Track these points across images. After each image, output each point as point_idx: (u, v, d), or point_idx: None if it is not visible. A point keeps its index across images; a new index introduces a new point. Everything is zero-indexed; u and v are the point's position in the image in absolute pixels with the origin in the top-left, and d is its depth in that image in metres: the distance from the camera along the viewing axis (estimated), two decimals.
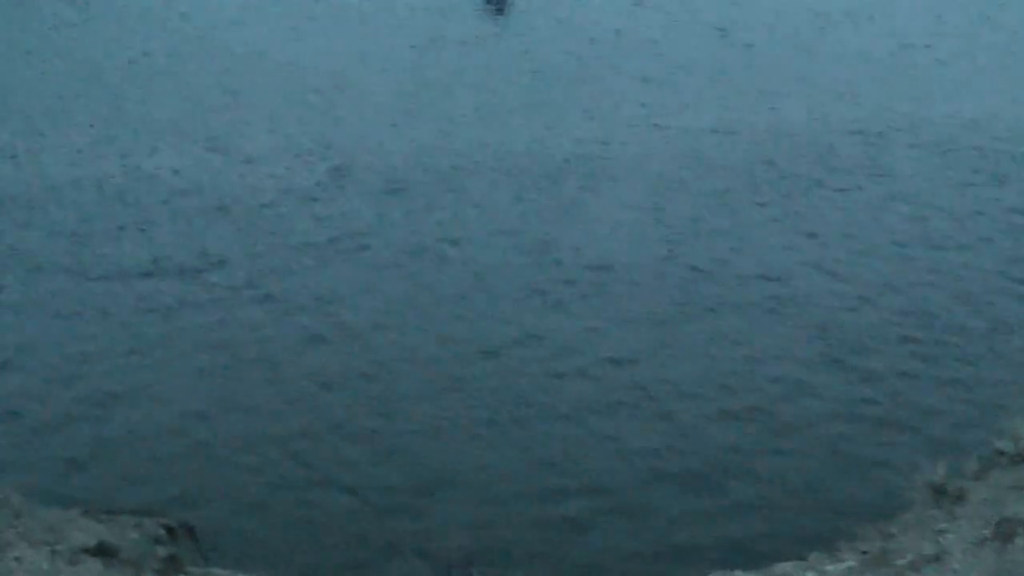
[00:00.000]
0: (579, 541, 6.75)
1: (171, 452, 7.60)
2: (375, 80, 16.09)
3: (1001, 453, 5.45)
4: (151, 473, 7.34)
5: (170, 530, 5.72)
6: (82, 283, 9.88)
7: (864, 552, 5.08)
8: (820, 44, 18.03)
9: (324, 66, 16.79)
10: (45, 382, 8.34)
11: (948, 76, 16.52)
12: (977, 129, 14.06)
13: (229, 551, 6.40)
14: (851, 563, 4.95)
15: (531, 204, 11.68)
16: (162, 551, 5.41)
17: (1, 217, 11.35)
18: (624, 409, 8.08)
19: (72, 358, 8.69)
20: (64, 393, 8.20)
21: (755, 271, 10.18)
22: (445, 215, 11.36)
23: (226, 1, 21.14)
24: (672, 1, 20.71)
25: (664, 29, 18.87)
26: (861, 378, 8.48)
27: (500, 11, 20.42)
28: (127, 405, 8.12)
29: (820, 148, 13.44)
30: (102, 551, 4.98)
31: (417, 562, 6.55)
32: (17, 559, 4.71)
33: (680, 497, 7.16)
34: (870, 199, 11.90)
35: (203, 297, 9.65)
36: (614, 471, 7.41)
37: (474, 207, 11.58)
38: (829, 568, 4.97)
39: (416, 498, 7.10)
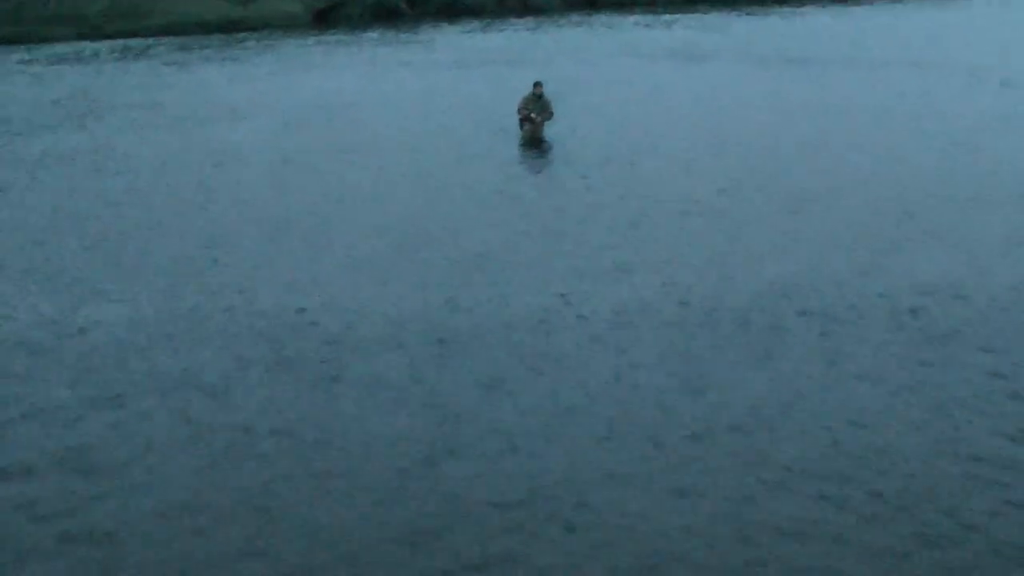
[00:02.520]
0: None
1: None
2: (374, 240, 14.80)
3: None
4: None
5: None
6: None
7: None
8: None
9: (342, 227, 15.52)
10: None
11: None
12: None
13: None
14: None
15: (515, 399, 9.94)
16: None
17: None
18: None
19: None
20: None
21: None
22: (408, 414, 9.62)
23: (225, 149, 20.26)
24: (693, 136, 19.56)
25: (684, 174, 17.59)
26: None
27: (535, 147, 20.53)
28: None
29: (830, 305, 11.86)
30: None
31: None
32: None
33: None
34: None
35: (114, 510, 8.15)
36: None
37: (447, 404, 9.78)
38: None
39: None
